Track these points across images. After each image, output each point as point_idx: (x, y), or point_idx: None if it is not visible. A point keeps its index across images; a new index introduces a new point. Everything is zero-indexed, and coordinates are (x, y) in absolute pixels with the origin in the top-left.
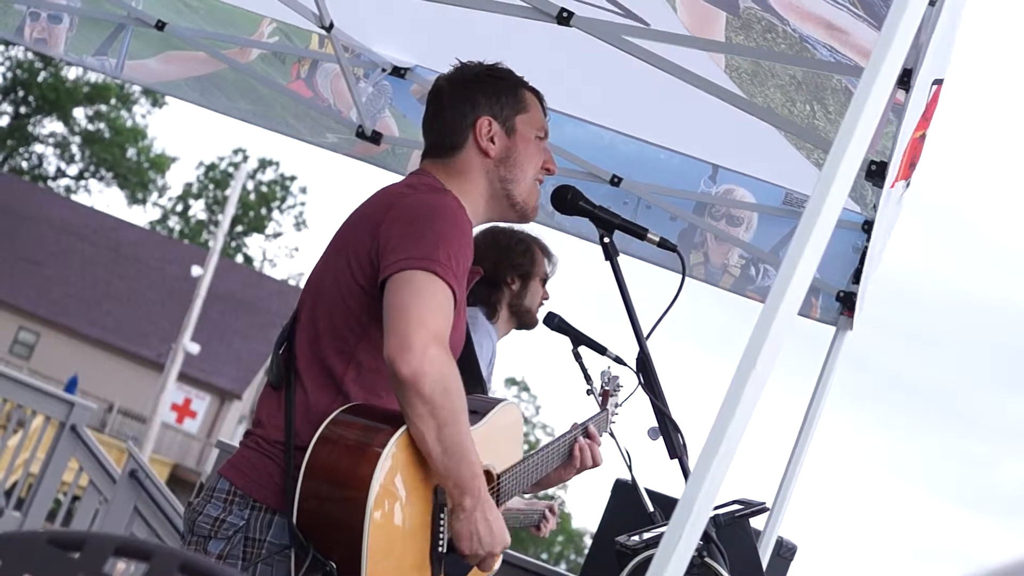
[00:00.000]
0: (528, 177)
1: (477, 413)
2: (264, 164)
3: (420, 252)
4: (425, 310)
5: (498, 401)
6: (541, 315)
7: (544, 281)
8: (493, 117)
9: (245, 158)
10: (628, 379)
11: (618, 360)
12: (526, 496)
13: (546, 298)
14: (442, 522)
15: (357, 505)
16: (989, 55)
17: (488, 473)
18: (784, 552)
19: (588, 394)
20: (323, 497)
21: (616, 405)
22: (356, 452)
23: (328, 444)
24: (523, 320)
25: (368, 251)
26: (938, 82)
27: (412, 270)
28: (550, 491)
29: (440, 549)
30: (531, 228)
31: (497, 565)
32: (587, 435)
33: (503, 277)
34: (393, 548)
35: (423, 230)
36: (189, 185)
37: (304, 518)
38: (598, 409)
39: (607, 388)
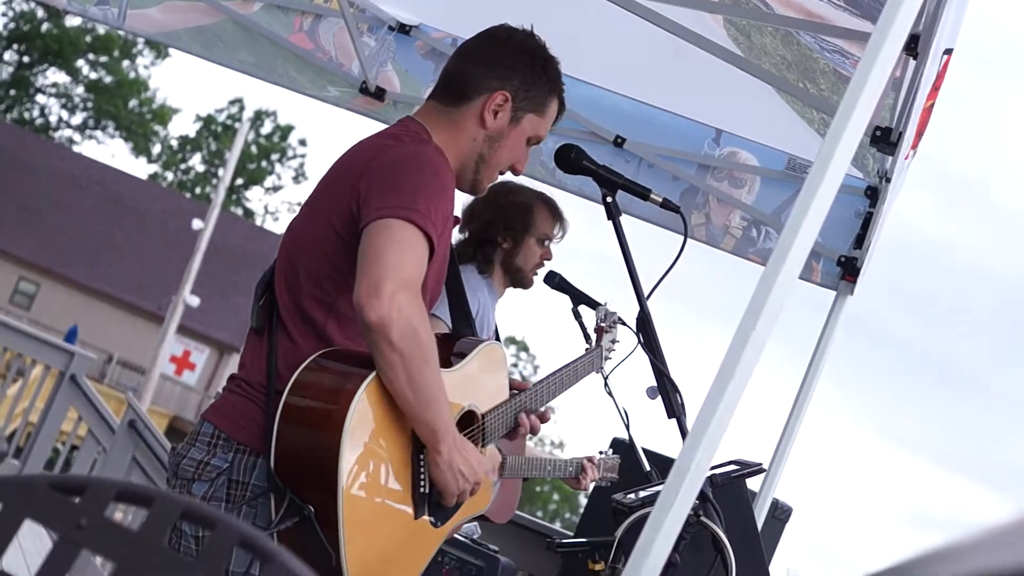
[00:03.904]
0: (500, 165)
1: (461, 354)
2: (261, 115)
3: (398, 201)
4: (398, 258)
5: (481, 341)
6: (540, 276)
7: (543, 242)
8: (512, 97)
9: (242, 109)
10: (628, 339)
11: (618, 319)
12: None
13: (547, 258)
14: (423, 462)
15: (330, 448)
16: (1012, 24)
17: (472, 413)
18: (779, 514)
19: (581, 358)
20: (298, 441)
21: (612, 341)
22: (329, 396)
23: (303, 388)
24: (515, 279)
25: (349, 202)
26: (948, 52)
27: (390, 218)
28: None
29: (422, 489)
30: (540, 189)
31: (491, 495)
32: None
33: (495, 236)
34: (371, 489)
35: (403, 180)
36: (186, 137)
37: (281, 462)
38: (594, 342)
39: (603, 324)
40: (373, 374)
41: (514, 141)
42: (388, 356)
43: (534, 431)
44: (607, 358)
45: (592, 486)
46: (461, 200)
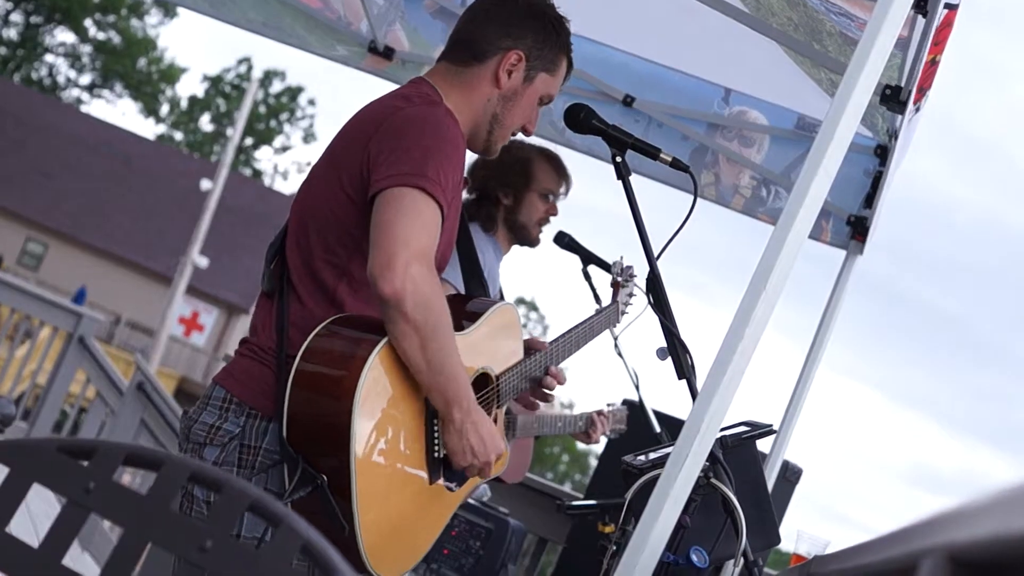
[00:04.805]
0: (513, 125)
1: (474, 316)
2: (270, 75)
3: (409, 168)
4: (410, 228)
5: (494, 302)
6: (546, 233)
7: (546, 196)
8: (527, 57)
9: (250, 68)
10: (638, 297)
11: (633, 275)
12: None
13: (553, 214)
14: (437, 426)
15: (342, 415)
16: None
17: (486, 375)
18: (790, 475)
19: (598, 314)
20: (310, 408)
21: (629, 295)
22: (341, 362)
23: (315, 355)
24: (519, 236)
25: (359, 164)
26: (951, 7)
27: (400, 187)
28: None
29: (436, 454)
30: (547, 146)
31: (498, 470)
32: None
33: (495, 193)
34: (384, 456)
35: (413, 145)
36: (195, 97)
37: (293, 430)
38: (610, 298)
39: (619, 279)
40: (385, 340)
41: (527, 101)
42: (402, 327)
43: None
44: (624, 312)
45: (603, 440)
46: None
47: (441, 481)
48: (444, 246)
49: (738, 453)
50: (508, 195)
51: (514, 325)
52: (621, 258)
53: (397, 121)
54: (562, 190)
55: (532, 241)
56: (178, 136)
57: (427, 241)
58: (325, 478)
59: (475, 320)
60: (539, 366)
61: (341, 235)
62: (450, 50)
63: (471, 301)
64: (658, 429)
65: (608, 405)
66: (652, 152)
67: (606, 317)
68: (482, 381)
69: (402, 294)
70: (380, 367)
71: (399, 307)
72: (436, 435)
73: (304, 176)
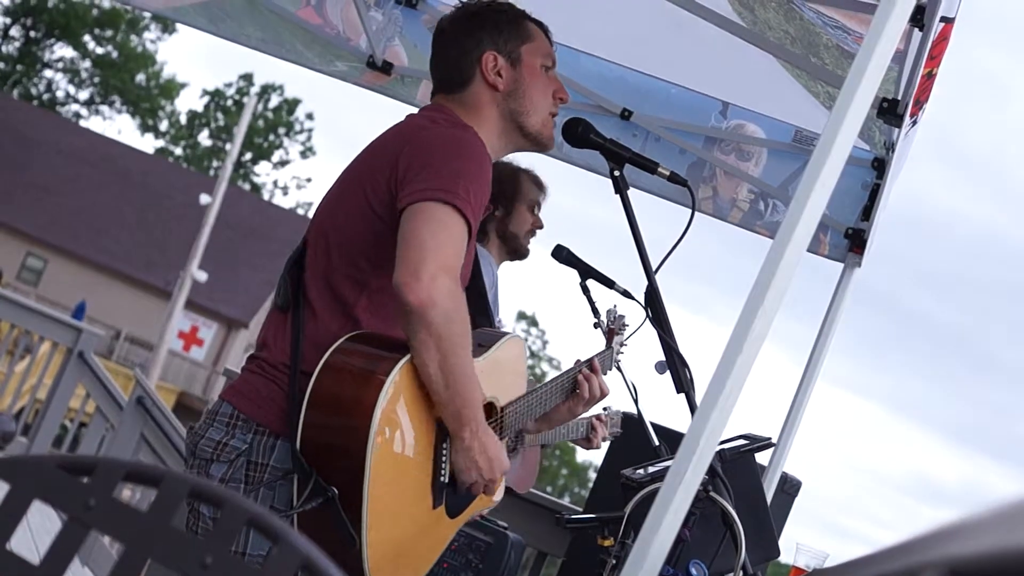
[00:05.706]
0: (540, 108)
1: (482, 346)
2: (267, 89)
3: (439, 184)
4: (438, 241)
5: (503, 334)
6: (544, 245)
7: (532, 208)
8: (497, 51)
9: (250, 84)
10: (636, 314)
11: (626, 294)
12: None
13: (539, 226)
14: (444, 452)
15: (359, 432)
16: None
17: (491, 406)
18: (789, 488)
19: (595, 327)
20: (326, 424)
21: (621, 344)
22: (360, 380)
23: (332, 372)
24: (511, 247)
25: (386, 180)
26: (947, 20)
27: (430, 201)
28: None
29: (442, 479)
30: (532, 158)
31: (500, 490)
32: (590, 368)
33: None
34: (394, 476)
35: (443, 163)
36: (194, 112)
37: (307, 444)
38: (604, 344)
39: (612, 327)
40: (403, 360)
41: (532, 79)
42: (424, 339)
43: (602, 390)
44: (616, 361)
45: (604, 445)
46: None
47: (443, 507)
48: (466, 268)
49: (737, 466)
50: (499, 206)
51: (520, 358)
52: (615, 306)
53: (427, 139)
54: (543, 199)
55: (524, 252)
56: (177, 151)
57: (454, 255)
58: (336, 491)
59: (484, 349)
60: (542, 401)
61: (365, 250)
62: (439, 87)
63: (479, 331)
64: (657, 442)
65: (604, 410)
66: (650, 166)
67: (602, 361)
68: (486, 411)
69: (428, 304)
70: (398, 387)
71: (424, 317)
72: (444, 460)
73: (304, 189)
